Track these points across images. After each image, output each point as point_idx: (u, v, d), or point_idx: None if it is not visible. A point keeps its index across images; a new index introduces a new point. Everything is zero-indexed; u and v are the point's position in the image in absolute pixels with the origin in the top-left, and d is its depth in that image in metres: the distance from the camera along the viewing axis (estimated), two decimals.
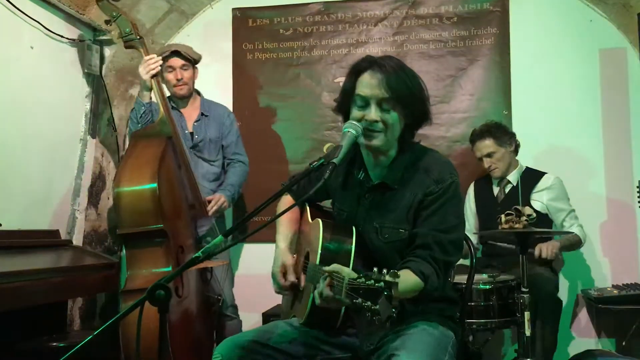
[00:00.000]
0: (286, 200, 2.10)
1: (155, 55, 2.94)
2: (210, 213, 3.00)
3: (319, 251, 1.76)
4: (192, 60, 3.19)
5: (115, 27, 2.94)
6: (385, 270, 1.33)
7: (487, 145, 3.18)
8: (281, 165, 3.77)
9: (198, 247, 2.94)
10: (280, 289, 1.91)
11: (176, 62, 3.14)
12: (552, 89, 3.58)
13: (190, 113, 3.24)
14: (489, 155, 3.19)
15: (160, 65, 2.95)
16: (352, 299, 1.33)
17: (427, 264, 1.63)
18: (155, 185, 2.58)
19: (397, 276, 1.32)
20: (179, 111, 3.21)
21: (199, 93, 3.33)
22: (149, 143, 2.77)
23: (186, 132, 3.17)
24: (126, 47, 3.01)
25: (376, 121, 1.68)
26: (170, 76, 3.14)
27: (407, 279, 1.57)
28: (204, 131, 3.21)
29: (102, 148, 3.66)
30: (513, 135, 3.24)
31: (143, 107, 2.99)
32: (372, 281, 1.31)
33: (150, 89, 2.94)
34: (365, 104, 1.70)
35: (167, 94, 3.08)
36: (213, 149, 3.24)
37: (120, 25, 2.93)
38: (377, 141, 1.71)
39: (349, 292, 1.35)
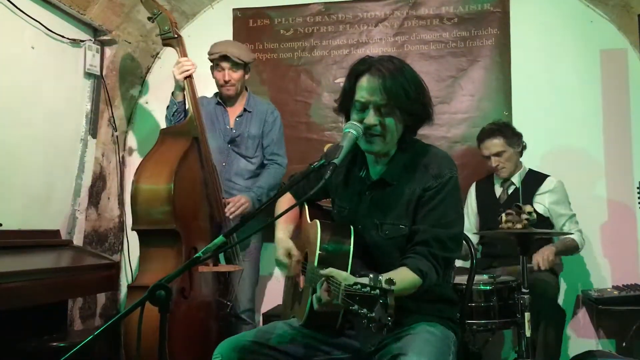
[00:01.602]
0: (286, 198, 2.10)
1: (189, 59, 2.97)
2: (228, 215, 2.94)
3: (317, 252, 1.76)
4: (242, 63, 3.15)
5: (156, 24, 3.02)
6: (381, 277, 1.32)
7: (496, 144, 3.16)
8: None
9: None
10: (288, 270, 1.89)
11: (225, 63, 3.12)
12: (553, 90, 3.58)
13: (235, 108, 3.24)
14: (498, 154, 3.17)
15: (211, 65, 3.05)
16: (349, 305, 1.33)
17: (425, 260, 1.64)
18: (171, 185, 2.60)
19: (393, 283, 1.31)
20: (224, 107, 3.22)
21: (246, 89, 3.31)
22: (174, 142, 2.81)
23: (227, 127, 3.18)
24: (164, 45, 3.08)
25: (375, 125, 1.70)
26: (219, 75, 3.14)
27: (404, 277, 1.58)
28: (244, 126, 3.19)
29: (102, 148, 3.66)
30: (521, 136, 3.23)
31: (175, 106, 3.00)
32: (368, 288, 1.31)
33: (183, 89, 2.96)
34: (364, 108, 1.71)
35: (199, 94, 3.09)
36: (251, 146, 3.20)
37: (160, 23, 2.99)
38: (376, 146, 1.74)
39: (345, 299, 1.35)
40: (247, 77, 3.24)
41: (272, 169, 3.21)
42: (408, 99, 1.69)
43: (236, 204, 2.97)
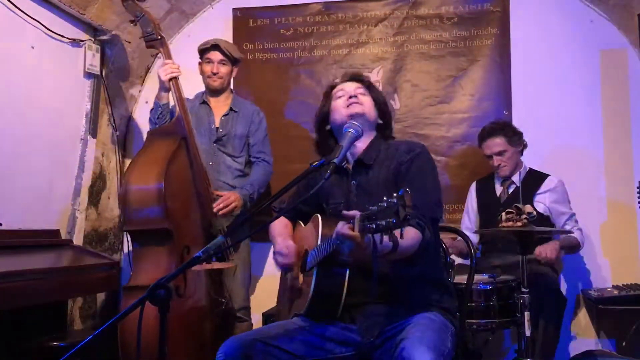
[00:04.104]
0: (280, 221, 2.15)
1: (174, 62, 2.95)
2: (216, 211, 2.93)
3: (319, 241, 1.81)
4: (231, 58, 3.20)
5: (138, 26, 2.98)
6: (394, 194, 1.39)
7: (498, 143, 3.18)
8: (281, 166, 3.76)
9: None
10: (285, 263, 1.97)
11: (215, 55, 3.17)
12: (553, 89, 3.58)
13: (220, 108, 3.25)
14: (499, 153, 3.19)
15: (199, 61, 3.06)
16: (366, 225, 1.40)
17: (417, 219, 1.73)
18: (161, 185, 2.60)
19: (407, 191, 1.37)
20: (209, 106, 3.23)
21: (232, 91, 3.35)
22: (162, 142, 2.80)
23: (212, 126, 3.19)
24: (147, 47, 3.05)
25: (354, 95, 2.01)
26: (207, 68, 3.17)
27: (408, 231, 1.61)
28: (230, 126, 3.22)
29: (102, 148, 3.66)
30: (521, 135, 3.24)
31: (160, 108, 2.99)
32: (384, 203, 1.38)
33: (169, 90, 2.95)
34: (347, 95, 2.02)
35: (185, 95, 3.09)
36: (237, 145, 3.24)
37: (142, 25, 2.96)
38: (357, 107, 1.98)
39: (361, 223, 1.43)
40: (234, 74, 3.27)
41: (262, 166, 3.28)
42: (377, 90, 2.10)
43: (225, 201, 2.97)
